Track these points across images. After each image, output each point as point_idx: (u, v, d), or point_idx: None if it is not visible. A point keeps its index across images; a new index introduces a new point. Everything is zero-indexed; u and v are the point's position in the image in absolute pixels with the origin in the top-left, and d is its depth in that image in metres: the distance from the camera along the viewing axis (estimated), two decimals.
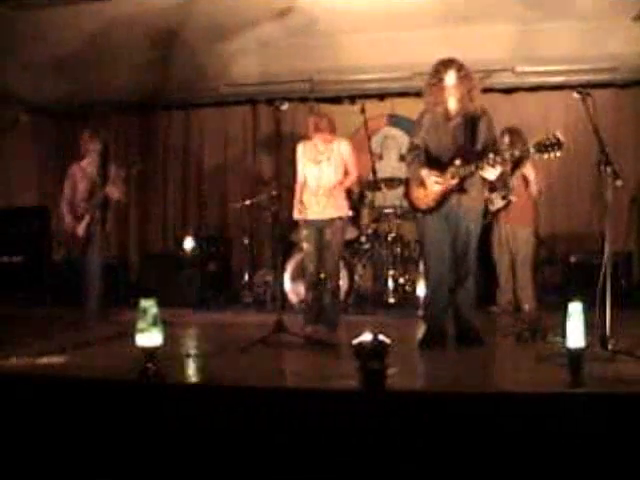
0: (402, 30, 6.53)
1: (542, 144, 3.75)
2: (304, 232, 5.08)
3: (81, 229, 5.42)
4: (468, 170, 3.94)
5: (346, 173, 5.05)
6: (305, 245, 5.10)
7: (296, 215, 5.09)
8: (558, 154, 3.73)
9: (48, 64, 7.10)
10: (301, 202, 5.05)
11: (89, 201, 5.44)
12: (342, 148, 5.04)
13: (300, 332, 4.40)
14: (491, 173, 3.94)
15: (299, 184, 5.14)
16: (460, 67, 4.01)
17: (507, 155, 4.00)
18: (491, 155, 3.87)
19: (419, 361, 3.93)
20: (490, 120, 4.11)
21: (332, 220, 4.97)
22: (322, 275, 5.08)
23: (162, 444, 2.74)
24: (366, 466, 2.58)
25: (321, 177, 5.00)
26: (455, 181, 3.98)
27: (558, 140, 3.71)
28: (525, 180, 5.90)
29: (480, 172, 3.95)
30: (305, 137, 5.24)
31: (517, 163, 5.77)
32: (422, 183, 4.09)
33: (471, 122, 4.05)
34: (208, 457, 2.69)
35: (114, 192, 5.46)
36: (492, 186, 5.65)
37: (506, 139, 5.73)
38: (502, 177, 4.93)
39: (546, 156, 3.76)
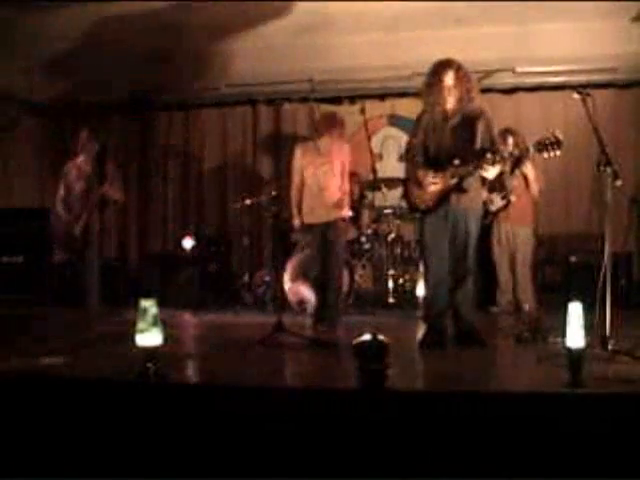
0: (402, 30, 6.54)
1: (542, 143, 3.77)
2: (308, 237, 5.08)
3: (78, 229, 5.42)
4: (466, 170, 3.95)
5: (343, 175, 5.06)
6: (310, 250, 5.11)
7: (297, 223, 5.11)
8: (558, 153, 3.74)
9: (48, 64, 7.10)
10: (300, 208, 5.06)
11: (86, 201, 5.43)
12: (343, 151, 5.04)
13: (300, 332, 4.40)
14: (491, 172, 3.96)
15: (296, 187, 5.12)
16: (458, 67, 4.02)
17: (506, 154, 4.03)
18: (489, 155, 3.88)
19: (419, 361, 3.93)
20: (489, 120, 4.11)
21: (334, 222, 4.96)
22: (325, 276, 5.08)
23: (162, 444, 2.74)
24: (366, 466, 2.58)
25: (322, 180, 4.99)
26: (454, 181, 3.99)
27: (557, 139, 3.73)
28: (525, 179, 5.90)
29: (480, 171, 3.96)
30: (305, 138, 5.26)
31: (517, 163, 5.78)
32: (420, 183, 4.10)
33: (470, 122, 4.06)
34: (208, 457, 2.69)
35: (113, 192, 5.45)
36: (491, 186, 5.66)
37: (510, 139, 5.75)
38: (500, 177, 4.94)
39: (546, 155, 3.77)
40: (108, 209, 5.64)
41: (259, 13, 6.29)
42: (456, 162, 3.96)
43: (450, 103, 4.04)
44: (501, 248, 6.06)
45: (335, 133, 5.00)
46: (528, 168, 5.85)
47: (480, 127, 4.04)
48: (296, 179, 5.12)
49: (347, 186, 5.15)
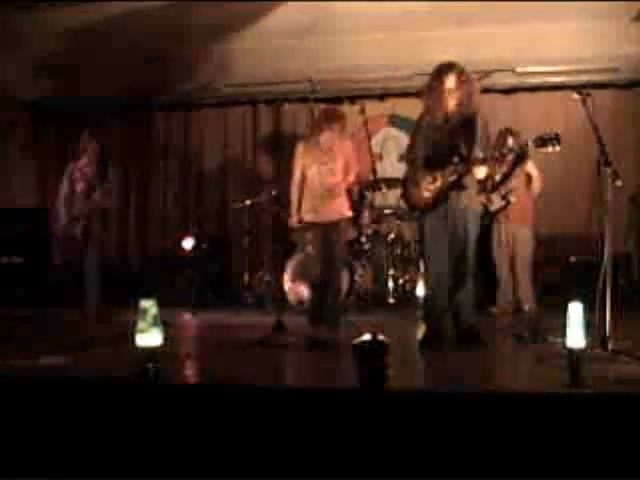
0: (402, 30, 6.54)
1: (541, 138, 3.78)
2: (308, 236, 5.04)
3: (79, 229, 5.42)
4: (465, 168, 3.96)
5: (347, 172, 4.99)
6: (310, 249, 5.06)
7: (295, 220, 5.03)
8: (557, 148, 3.75)
9: (48, 64, 7.11)
10: (300, 207, 4.99)
11: (86, 202, 5.44)
12: (344, 147, 4.99)
13: (300, 332, 4.40)
14: (480, 172, 3.98)
15: (296, 184, 5.03)
16: (460, 71, 4.03)
17: (506, 150, 4.04)
18: (479, 153, 3.91)
19: (419, 361, 3.93)
20: (485, 119, 4.12)
21: (336, 221, 4.92)
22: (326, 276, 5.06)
23: (162, 444, 2.74)
24: (366, 466, 2.58)
25: (324, 178, 4.93)
26: (453, 178, 4.00)
27: (556, 134, 3.74)
28: (528, 177, 5.88)
29: (474, 169, 3.98)
30: (306, 136, 5.22)
31: (518, 162, 5.77)
32: (419, 185, 4.11)
33: (468, 122, 4.07)
34: (208, 457, 2.69)
35: (102, 200, 5.45)
36: (493, 185, 5.67)
37: (510, 140, 5.74)
38: (492, 177, 4.96)
39: (545, 150, 3.78)
40: (108, 210, 5.66)
41: (257, 12, 6.30)
42: (455, 160, 3.97)
43: (451, 106, 4.05)
44: (501, 248, 6.05)
45: (336, 128, 4.92)
46: (529, 166, 5.84)
47: (477, 126, 4.04)
48: (296, 175, 5.01)
49: (350, 183, 5.07)
